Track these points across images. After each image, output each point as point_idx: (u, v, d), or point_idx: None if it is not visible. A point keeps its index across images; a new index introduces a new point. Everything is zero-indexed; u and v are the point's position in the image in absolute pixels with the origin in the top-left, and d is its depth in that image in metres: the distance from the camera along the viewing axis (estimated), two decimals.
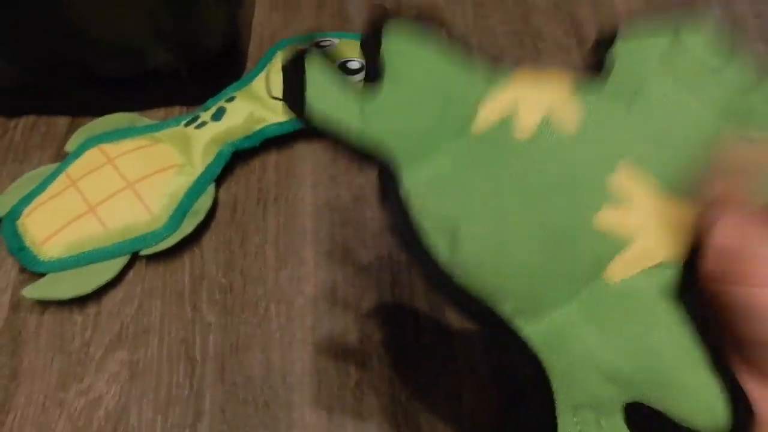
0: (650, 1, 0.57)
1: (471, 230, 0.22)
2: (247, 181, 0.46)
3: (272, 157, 0.48)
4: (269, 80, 0.48)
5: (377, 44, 0.24)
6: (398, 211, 0.23)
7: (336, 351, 0.39)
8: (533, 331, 0.22)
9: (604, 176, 0.22)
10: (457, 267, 0.22)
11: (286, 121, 0.47)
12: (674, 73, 0.23)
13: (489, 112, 0.23)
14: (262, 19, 0.57)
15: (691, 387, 0.21)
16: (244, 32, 0.55)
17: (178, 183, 0.43)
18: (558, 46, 0.54)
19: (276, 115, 0.47)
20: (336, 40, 0.52)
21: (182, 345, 0.39)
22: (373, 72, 0.25)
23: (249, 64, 0.53)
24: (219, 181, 0.46)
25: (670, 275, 0.22)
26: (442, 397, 0.37)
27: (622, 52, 0.24)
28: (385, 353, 0.39)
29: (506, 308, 0.22)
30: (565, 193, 0.22)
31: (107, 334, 0.39)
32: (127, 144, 0.45)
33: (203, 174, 0.44)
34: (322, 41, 0.52)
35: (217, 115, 0.46)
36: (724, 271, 0.18)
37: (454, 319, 0.40)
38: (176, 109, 0.50)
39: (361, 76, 0.49)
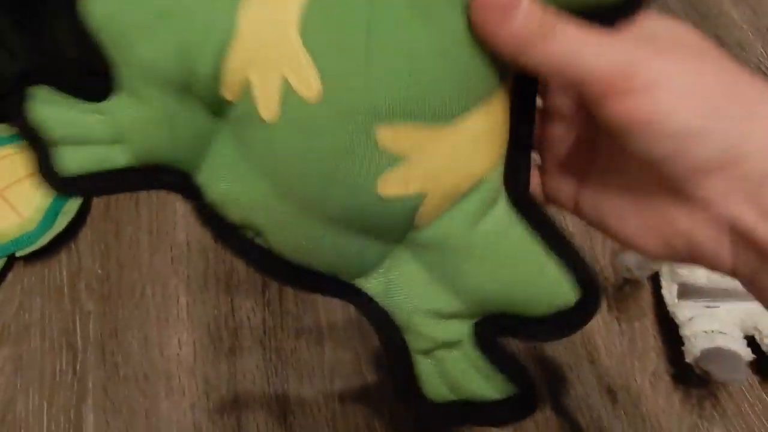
0: None
1: (271, 227, 0.22)
2: None
3: None
4: None
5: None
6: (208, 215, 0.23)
7: (209, 322, 0.42)
8: (370, 287, 0.24)
9: (367, 141, 0.20)
10: (276, 254, 0.23)
11: None
12: None
13: (229, 74, 0.20)
14: None
15: (535, 274, 0.22)
16: None
17: None
18: None
19: None
20: None
21: (63, 335, 0.42)
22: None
23: None
24: None
25: (474, 201, 0.22)
26: (305, 346, 0.41)
27: None
28: (254, 319, 0.42)
29: (338, 276, 0.23)
30: (340, 169, 0.21)
31: None
32: None
33: None
34: None
35: None
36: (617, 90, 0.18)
37: None
38: None
39: None
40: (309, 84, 0.20)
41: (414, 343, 0.24)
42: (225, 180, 0.22)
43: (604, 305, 0.42)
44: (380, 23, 0.20)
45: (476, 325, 0.23)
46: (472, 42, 0.19)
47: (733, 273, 0.19)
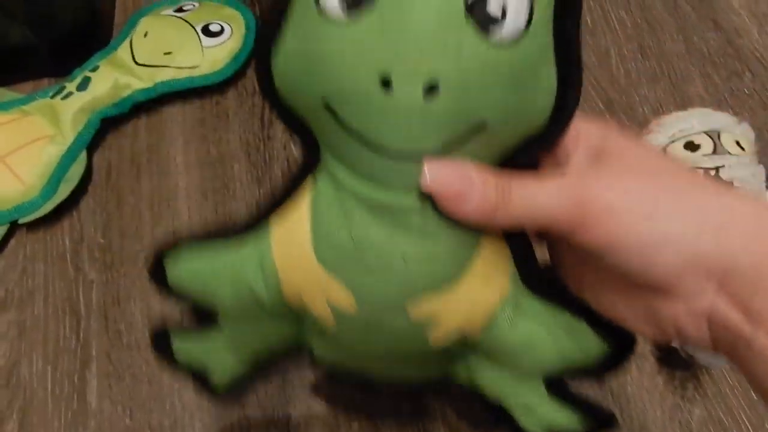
0: None
1: (373, 372, 0.32)
2: (120, 146, 0.49)
3: (142, 122, 0.50)
4: (133, 47, 0.51)
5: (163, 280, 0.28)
6: None
7: None
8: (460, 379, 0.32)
9: (405, 321, 0.25)
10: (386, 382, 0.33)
11: (152, 86, 0.49)
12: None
13: (291, 302, 0.27)
14: None
15: (574, 341, 0.27)
16: (108, 1, 0.56)
17: (50, 152, 0.46)
18: None
19: (141, 81, 0.49)
20: (197, 3, 0.55)
21: (67, 302, 0.42)
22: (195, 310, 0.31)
23: (116, 32, 0.55)
24: (92, 147, 0.48)
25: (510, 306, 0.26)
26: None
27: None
28: None
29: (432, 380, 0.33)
30: (397, 344, 0.27)
31: None
32: None
33: (74, 142, 0.47)
34: (185, 4, 0.55)
35: (83, 85, 0.48)
36: (577, 225, 0.21)
37: None
38: (44, 82, 0.52)
39: (222, 38, 0.52)
40: (344, 302, 0.25)
41: (508, 405, 0.30)
42: (323, 353, 0.31)
43: None
44: (367, 238, 0.23)
45: (546, 381, 0.29)
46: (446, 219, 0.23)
47: (714, 350, 0.22)
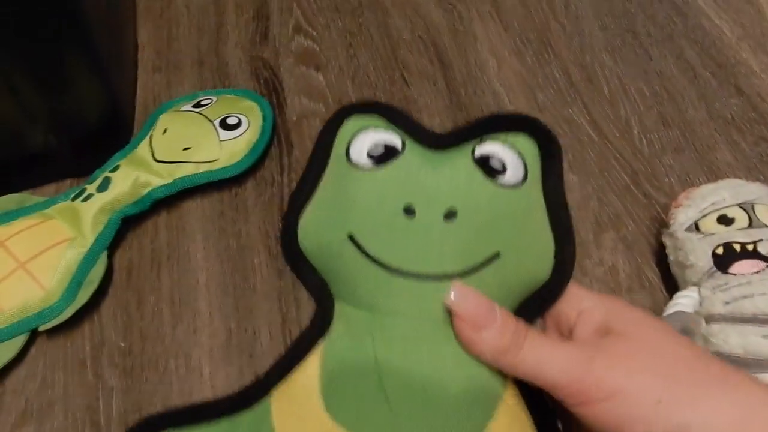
0: (508, 28, 0.62)
1: None
2: (140, 244, 0.49)
3: (162, 217, 0.50)
4: (153, 144, 0.51)
5: None
6: None
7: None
8: None
9: None
10: None
11: (171, 182, 0.49)
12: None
13: None
14: (146, 82, 0.59)
15: None
16: (128, 98, 0.57)
17: (70, 256, 0.46)
18: (425, 76, 0.58)
19: (161, 177, 0.49)
20: (215, 98, 0.55)
21: (87, 412, 0.41)
22: None
23: (136, 129, 0.56)
24: (113, 247, 0.48)
25: None
26: None
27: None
28: None
29: None
30: None
31: (13, 413, 0.41)
32: (17, 224, 0.47)
33: (94, 244, 0.46)
34: (202, 99, 0.55)
35: (103, 186, 0.48)
36: (571, 396, 0.22)
37: None
38: (67, 183, 0.52)
39: (239, 130, 0.52)
40: None
41: None
42: None
43: None
44: (388, 377, 0.23)
45: None
46: (469, 358, 0.23)
47: None
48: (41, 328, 0.43)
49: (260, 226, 0.49)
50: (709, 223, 0.42)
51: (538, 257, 0.24)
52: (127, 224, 0.49)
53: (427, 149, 0.24)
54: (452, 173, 0.22)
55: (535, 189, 0.24)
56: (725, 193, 0.43)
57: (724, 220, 0.42)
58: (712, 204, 0.43)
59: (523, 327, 0.23)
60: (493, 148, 0.23)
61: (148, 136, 0.52)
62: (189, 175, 0.50)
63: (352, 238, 0.23)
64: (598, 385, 0.21)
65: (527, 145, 0.24)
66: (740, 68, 0.58)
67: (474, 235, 0.22)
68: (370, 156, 0.24)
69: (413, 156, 0.23)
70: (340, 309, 0.25)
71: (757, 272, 0.38)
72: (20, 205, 0.49)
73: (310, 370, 0.25)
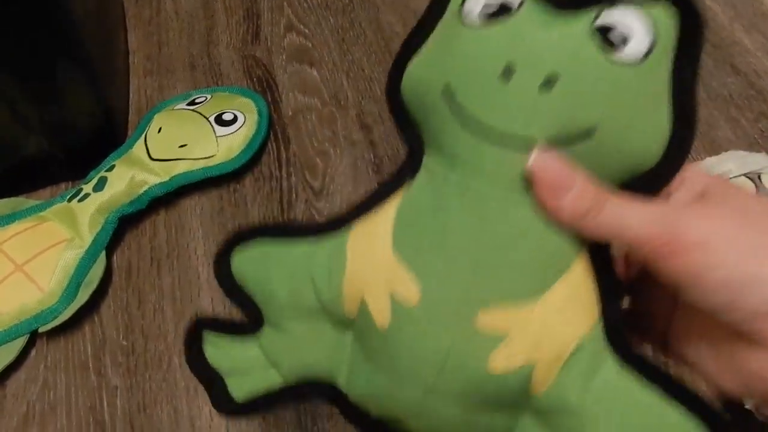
0: None
1: (407, 418, 0.25)
2: (139, 243, 0.48)
3: (161, 216, 0.49)
4: (148, 143, 0.50)
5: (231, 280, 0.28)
6: None
7: None
8: None
9: (468, 329, 0.23)
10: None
11: (168, 180, 0.49)
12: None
13: (347, 297, 0.25)
14: (138, 86, 0.59)
15: (657, 423, 0.23)
16: (120, 104, 0.57)
17: (68, 257, 0.45)
18: None
19: (158, 176, 0.49)
20: (209, 96, 0.55)
21: (90, 413, 0.40)
22: (248, 308, 0.28)
23: (130, 133, 0.55)
24: (111, 247, 0.47)
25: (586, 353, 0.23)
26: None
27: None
28: None
29: None
30: (450, 358, 0.23)
31: (14, 417, 0.40)
32: (13, 228, 0.46)
33: (92, 244, 0.46)
34: (197, 98, 0.55)
35: (99, 186, 0.47)
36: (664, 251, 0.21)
37: None
38: (62, 186, 0.51)
39: (235, 126, 0.52)
40: (409, 292, 0.23)
41: None
42: (359, 382, 0.26)
43: None
44: (455, 225, 0.23)
45: None
46: (540, 221, 0.22)
47: None
48: (41, 330, 0.42)
49: (260, 221, 0.49)
50: None
51: (645, 139, 0.22)
52: (125, 224, 0.48)
53: (547, 8, 0.22)
54: (562, 39, 0.21)
55: (660, 66, 0.22)
56: (730, 164, 0.43)
57: None
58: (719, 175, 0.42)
59: (604, 190, 0.22)
60: (620, 16, 0.21)
61: (143, 136, 0.51)
62: (186, 172, 0.49)
63: (446, 89, 0.23)
64: (683, 236, 0.20)
65: (664, 15, 0.21)
66: (735, 48, 0.58)
67: (570, 104, 0.21)
68: (481, 14, 0.22)
69: (528, 16, 0.22)
70: (426, 160, 0.25)
71: None
72: (15, 210, 0.48)
73: (388, 211, 0.25)
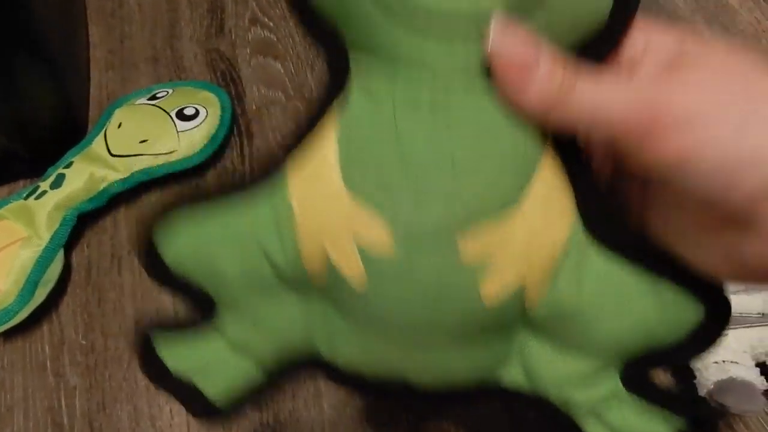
0: None
1: (408, 372, 0.24)
2: (99, 241, 0.47)
3: (121, 213, 0.49)
4: (107, 139, 0.50)
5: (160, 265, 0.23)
6: None
7: None
8: (512, 380, 0.25)
9: (453, 264, 0.20)
10: (425, 391, 0.25)
11: (128, 176, 0.48)
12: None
13: (307, 257, 0.21)
14: (99, 80, 0.58)
15: (655, 306, 0.21)
16: (82, 98, 0.56)
17: (25, 256, 0.44)
18: None
19: (118, 172, 0.48)
20: (171, 90, 0.54)
21: (48, 414, 0.39)
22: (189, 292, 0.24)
23: (91, 128, 0.54)
24: (71, 245, 0.46)
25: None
26: (302, 406, 0.39)
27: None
28: None
29: (483, 384, 0.25)
30: (441, 300, 0.21)
31: None
32: None
33: (50, 242, 0.45)
34: (158, 92, 0.54)
35: (57, 183, 0.46)
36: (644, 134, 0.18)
37: None
38: (20, 183, 0.50)
39: (197, 121, 0.51)
40: (379, 238, 0.20)
41: (575, 411, 0.24)
42: (345, 347, 0.24)
43: None
44: (414, 145, 0.19)
45: (624, 372, 0.23)
46: (506, 117, 0.19)
47: None
48: None
49: None
50: None
51: (594, 4, 0.19)
52: (85, 221, 0.47)
53: None
54: None
55: None
56: None
57: None
58: None
59: (571, 73, 0.18)
60: None
61: (102, 131, 0.50)
62: (147, 168, 0.48)
63: None
64: (667, 113, 0.17)
65: None
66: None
67: None
68: None
69: None
70: (356, 66, 0.20)
71: None
72: None
73: (327, 144, 0.20)
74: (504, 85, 0.19)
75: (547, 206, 0.20)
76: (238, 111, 0.54)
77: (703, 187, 0.18)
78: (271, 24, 0.61)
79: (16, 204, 0.46)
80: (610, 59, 0.20)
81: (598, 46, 0.20)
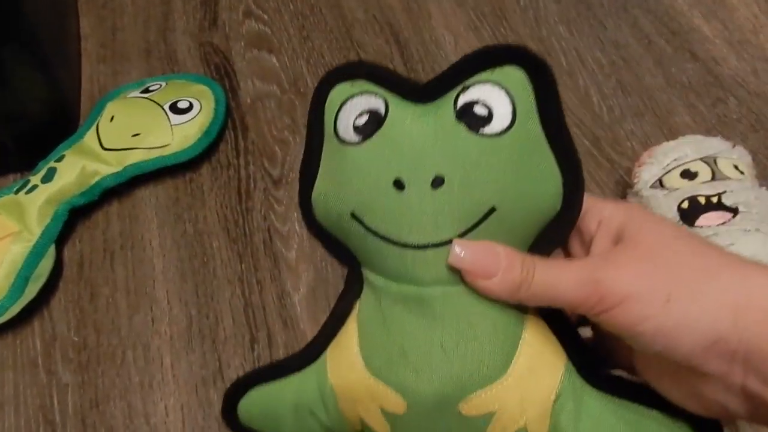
0: (462, 4, 0.61)
1: None
2: (92, 235, 0.47)
3: (114, 207, 0.48)
4: (100, 132, 0.49)
5: None
6: None
7: (196, 384, 0.40)
8: None
9: (458, 420, 0.24)
10: None
11: (121, 170, 0.47)
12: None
13: (348, 419, 0.27)
14: (91, 73, 0.57)
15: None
16: (73, 91, 0.55)
17: (16, 251, 0.43)
18: (381, 55, 0.57)
19: (110, 165, 0.47)
20: (164, 83, 0.53)
21: (40, 411, 0.39)
22: None
23: (82, 121, 0.53)
24: (62, 240, 0.46)
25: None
26: None
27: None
28: None
29: None
30: None
31: None
32: None
33: (41, 237, 0.44)
34: (151, 85, 0.53)
35: (48, 177, 0.46)
36: (592, 306, 0.22)
37: (308, 331, 0.42)
38: (10, 178, 0.50)
39: (190, 114, 0.50)
40: (396, 406, 0.24)
41: None
42: None
43: None
44: (408, 335, 0.24)
45: None
46: (483, 302, 0.24)
47: (758, 423, 0.22)
48: None
49: (218, 210, 0.47)
50: (674, 179, 0.42)
51: (541, 194, 0.23)
52: (77, 216, 0.47)
53: (410, 105, 0.24)
54: (435, 134, 0.22)
55: (528, 124, 0.23)
56: (687, 148, 0.43)
57: (688, 175, 0.41)
58: (675, 160, 0.42)
59: (529, 259, 0.23)
60: (477, 93, 0.23)
61: (94, 125, 0.50)
62: (140, 162, 0.48)
63: (354, 215, 0.24)
64: (609, 293, 0.21)
65: (516, 76, 0.23)
66: (694, 35, 0.58)
67: (466, 196, 0.22)
68: (356, 129, 0.24)
69: (397, 119, 0.23)
70: (365, 272, 0.26)
71: (723, 223, 0.38)
72: None
73: (350, 327, 0.26)
74: (472, 284, 0.23)
75: (535, 367, 0.24)
76: (233, 104, 0.53)
77: (651, 349, 0.21)
78: (266, 17, 0.61)
79: (6, 198, 0.45)
80: (572, 235, 0.25)
81: (557, 229, 0.25)
